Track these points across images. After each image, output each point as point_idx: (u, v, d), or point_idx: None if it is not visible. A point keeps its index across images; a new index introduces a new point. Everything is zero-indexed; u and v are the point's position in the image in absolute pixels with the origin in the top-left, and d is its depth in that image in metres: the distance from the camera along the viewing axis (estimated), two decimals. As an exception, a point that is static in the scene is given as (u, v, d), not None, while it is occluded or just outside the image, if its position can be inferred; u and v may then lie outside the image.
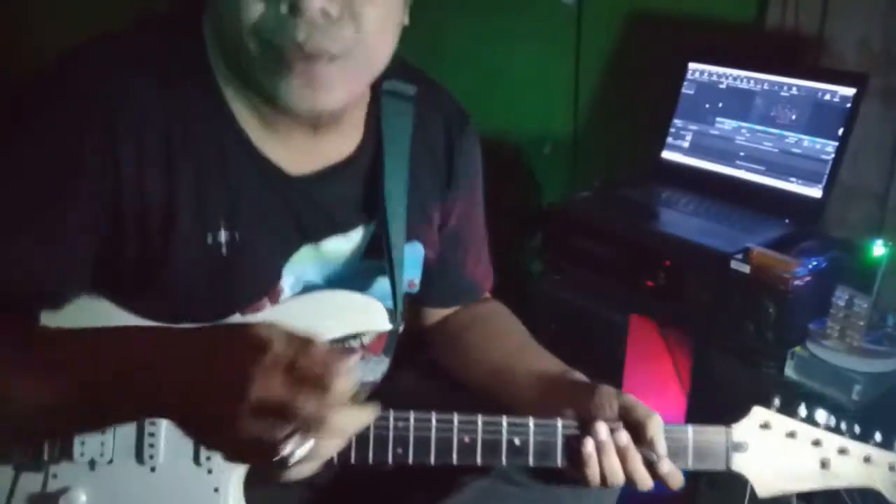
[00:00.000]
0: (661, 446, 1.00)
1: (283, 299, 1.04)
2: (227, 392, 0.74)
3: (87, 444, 0.97)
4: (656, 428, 1.00)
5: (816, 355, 1.43)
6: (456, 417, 0.99)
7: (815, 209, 1.67)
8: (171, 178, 0.94)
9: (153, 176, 0.93)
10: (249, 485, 1.00)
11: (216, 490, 0.98)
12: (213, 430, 0.78)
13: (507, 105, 2.39)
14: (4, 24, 2.16)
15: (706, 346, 1.61)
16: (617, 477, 0.99)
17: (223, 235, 0.98)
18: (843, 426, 1.03)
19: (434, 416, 0.98)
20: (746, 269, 1.48)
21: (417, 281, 1.16)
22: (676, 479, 1.00)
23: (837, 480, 1.02)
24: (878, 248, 1.42)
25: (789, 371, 1.45)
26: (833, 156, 1.67)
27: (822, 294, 1.45)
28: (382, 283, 1.10)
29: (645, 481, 1.00)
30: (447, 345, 1.25)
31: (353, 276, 1.08)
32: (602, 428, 0.99)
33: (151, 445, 0.98)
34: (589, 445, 0.99)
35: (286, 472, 0.78)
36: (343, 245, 1.07)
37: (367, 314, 1.05)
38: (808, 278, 1.46)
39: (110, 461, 0.98)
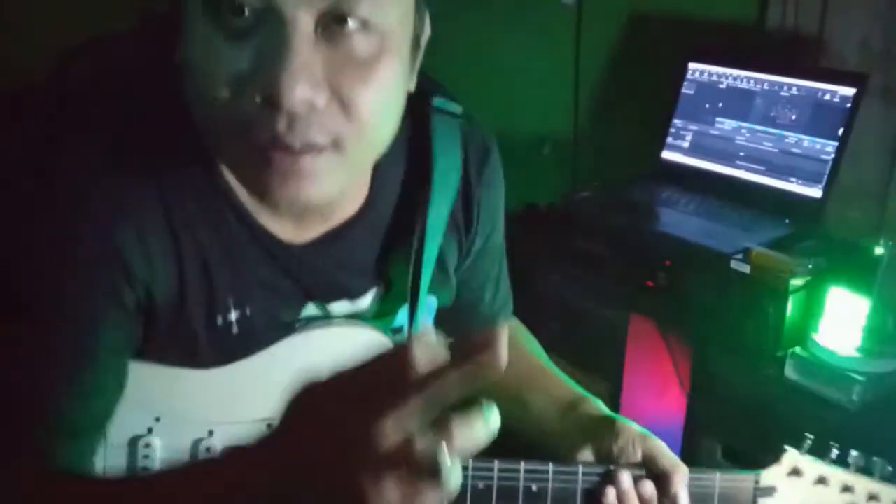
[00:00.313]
0: (685, 501, 0.94)
1: (302, 328, 0.96)
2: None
3: None
4: (682, 481, 0.93)
5: (816, 355, 1.43)
6: (471, 462, 0.91)
7: (815, 209, 1.67)
8: (179, 273, 0.86)
9: (162, 276, 0.86)
10: None
11: None
12: None
13: (506, 105, 2.38)
14: (4, 24, 2.16)
15: (706, 346, 1.61)
16: None
17: (233, 315, 0.90)
18: (876, 466, 1.00)
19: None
20: (746, 269, 1.48)
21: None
22: None
23: None
24: (878, 248, 1.42)
25: (789, 371, 1.45)
26: (833, 156, 1.67)
27: (821, 294, 1.45)
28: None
29: None
30: None
31: None
32: (625, 477, 0.92)
33: None
34: (610, 495, 0.92)
35: None
36: (351, 308, 0.99)
37: (376, 351, 0.99)
38: (808, 278, 1.46)
39: None
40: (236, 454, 0.70)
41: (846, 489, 0.99)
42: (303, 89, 0.70)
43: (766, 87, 1.78)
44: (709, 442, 1.60)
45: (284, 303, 0.94)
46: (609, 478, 0.93)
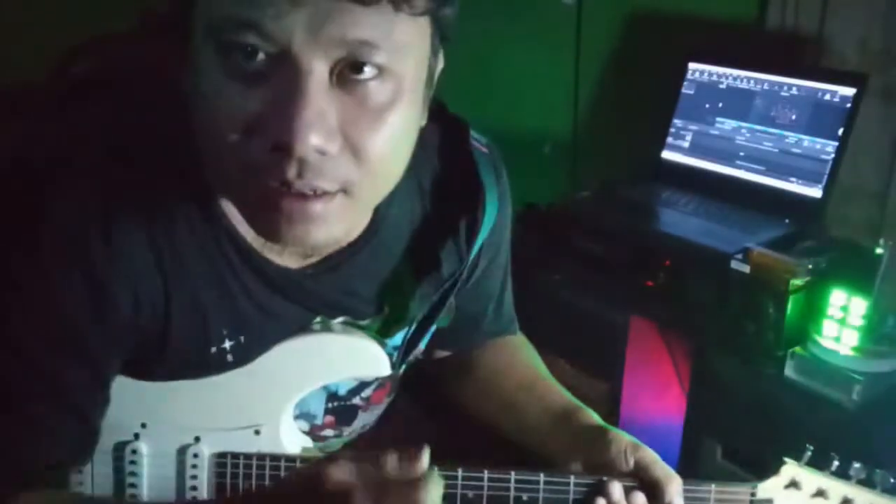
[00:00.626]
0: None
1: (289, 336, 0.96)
2: None
3: None
4: (676, 492, 0.92)
5: (816, 355, 1.43)
6: (461, 472, 0.91)
7: (815, 209, 1.67)
8: (167, 308, 0.86)
9: (149, 311, 0.85)
10: None
11: None
12: None
13: (507, 105, 2.39)
14: (4, 24, 2.16)
15: (706, 346, 1.61)
16: None
17: (227, 344, 0.90)
18: (878, 478, 0.97)
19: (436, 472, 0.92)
20: (746, 269, 1.48)
21: (423, 347, 1.07)
22: None
23: None
24: (878, 248, 1.42)
25: (789, 371, 1.45)
26: (833, 156, 1.67)
27: (821, 294, 1.45)
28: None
29: None
30: (456, 376, 1.16)
31: None
32: (616, 488, 0.91)
33: None
34: None
35: None
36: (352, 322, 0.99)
37: (365, 360, 0.98)
38: (808, 278, 1.46)
39: None
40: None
41: (846, 502, 0.97)
42: (316, 138, 0.69)
43: (766, 87, 1.78)
44: (709, 442, 1.60)
45: (282, 329, 0.93)
46: (600, 488, 0.92)
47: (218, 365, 0.91)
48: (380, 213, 0.91)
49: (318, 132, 0.69)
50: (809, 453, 0.98)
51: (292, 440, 0.97)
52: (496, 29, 2.36)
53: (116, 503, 0.93)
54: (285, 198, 0.72)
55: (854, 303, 1.41)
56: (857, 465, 0.97)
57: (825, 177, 1.67)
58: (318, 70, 0.69)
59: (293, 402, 0.96)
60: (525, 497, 0.92)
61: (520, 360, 1.16)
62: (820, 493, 0.97)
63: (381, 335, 0.99)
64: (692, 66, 1.89)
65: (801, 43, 1.85)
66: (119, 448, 0.95)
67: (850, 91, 1.66)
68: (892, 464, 1.00)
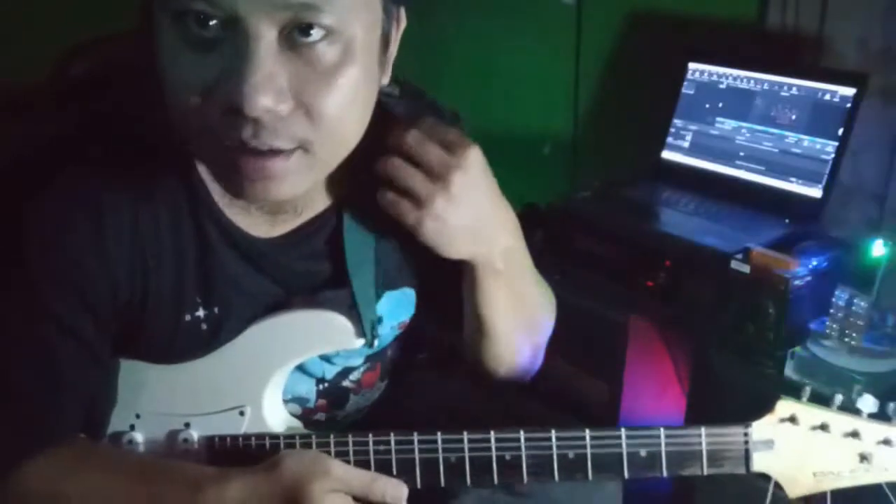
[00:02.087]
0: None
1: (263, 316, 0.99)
2: None
3: None
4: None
5: (816, 355, 1.43)
6: (440, 436, 0.93)
7: (814, 209, 1.67)
8: (144, 273, 0.90)
9: (126, 278, 0.89)
10: None
11: None
12: None
13: (507, 105, 2.39)
14: (4, 24, 2.16)
15: (706, 346, 1.61)
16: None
17: (201, 312, 0.94)
18: (891, 411, 0.91)
19: (416, 437, 0.93)
20: (746, 269, 1.48)
21: (409, 319, 1.09)
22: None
23: (883, 476, 0.90)
24: (878, 248, 1.42)
25: (789, 371, 1.45)
26: (833, 156, 1.67)
27: (822, 294, 1.45)
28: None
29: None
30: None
31: None
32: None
33: None
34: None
35: None
36: (325, 298, 1.01)
37: (332, 332, 0.98)
38: (808, 278, 1.46)
39: None
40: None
41: (853, 434, 0.90)
42: (265, 100, 0.73)
43: (766, 87, 1.78)
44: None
45: (253, 301, 0.96)
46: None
47: (193, 336, 0.95)
48: (350, 182, 0.94)
49: (267, 94, 0.73)
50: (809, 390, 0.93)
51: (277, 419, 1.00)
52: (496, 29, 2.37)
53: (123, 454, 0.97)
54: (243, 156, 0.77)
55: (854, 303, 1.41)
56: (868, 396, 0.91)
57: (825, 177, 1.67)
58: (267, 34, 0.73)
59: (271, 380, 0.98)
60: (508, 456, 0.92)
61: None
62: (822, 427, 0.91)
63: (353, 307, 1.00)
64: (692, 66, 1.89)
65: (801, 43, 1.85)
66: (116, 438, 0.99)
67: (850, 91, 1.66)
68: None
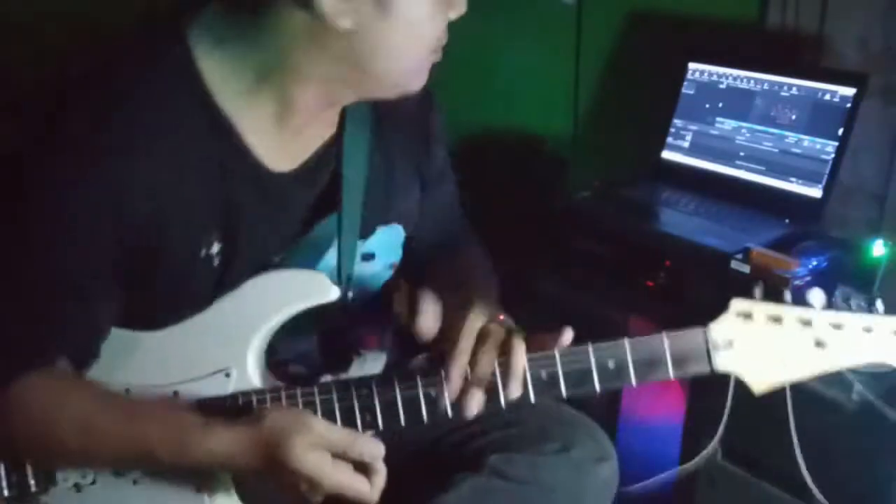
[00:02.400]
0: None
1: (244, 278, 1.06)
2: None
3: (69, 471, 1.01)
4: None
5: (814, 287, 1.42)
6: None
7: (815, 209, 1.67)
8: (165, 206, 0.96)
9: (148, 208, 0.95)
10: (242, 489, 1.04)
11: (198, 490, 1.02)
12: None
13: (507, 105, 2.39)
14: (4, 23, 2.16)
15: (706, 346, 1.61)
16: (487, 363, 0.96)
17: (216, 248, 1.00)
18: (838, 303, 0.95)
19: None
20: (746, 269, 1.48)
21: (398, 261, 1.17)
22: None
23: (839, 360, 0.94)
24: (878, 248, 1.42)
25: (789, 371, 1.45)
26: (833, 156, 1.67)
27: (821, 294, 1.45)
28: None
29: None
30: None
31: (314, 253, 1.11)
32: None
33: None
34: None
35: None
36: (319, 233, 1.09)
37: (312, 287, 1.04)
38: (808, 278, 1.46)
39: (93, 482, 1.02)
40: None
41: (805, 323, 0.94)
42: None
43: (766, 87, 1.78)
44: (709, 442, 1.60)
45: (265, 239, 1.03)
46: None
47: (205, 275, 1.00)
48: (346, 116, 1.07)
49: None
50: (759, 291, 0.96)
51: (262, 379, 1.04)
52: (496, 29, 2.36)
53: (116, 393, 1.01)
54: (433, 55, 1.01)
55: (854, 303, 1.40)
56: (817, 290, 0.95)
57: (825, 177, 1.67)
58: None
59: (255, 340, 1.03)
60: (544, 374, 0.96)
61: (475, 269, 1.22)
62: (775, 319, 0.95)
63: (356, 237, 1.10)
64: (692, 66, 1.89)
65: (801, 43, 1.84)
66: None
67: (850, 91, 1.66)
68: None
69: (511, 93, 2.40)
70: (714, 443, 1.58)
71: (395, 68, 0.98)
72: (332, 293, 1.04)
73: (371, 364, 1.18)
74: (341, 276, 1.09)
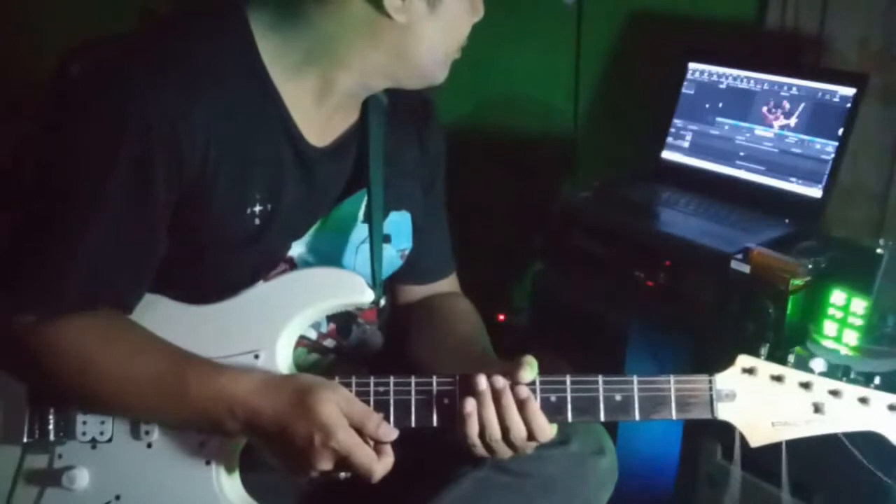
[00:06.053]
0: (526, 376, 1.02)
1: (273, 275, 1.11)
2: (298, 459, 1.00)
3: (89, 425, 1.06)
4: (525, 362, 1.02)
5: (816, 355, 1.43)
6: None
7: (815, 209, 1.67)
8: (217, 164, 1.02)
9: (198, 157, 1.01)
10: (248, 469, 1.08)
11: (208, 463, 1.06)
12: (286, 465, 1.03)
13: (507, 105, 2.39)
14: (4, 23, 2.16)
15: (706, 346, 1.61)
16: (493, 428, 1.00)
17: (258, 208, 1.06)
18: (839, 373, 1.02)
19: (414, 379, 1.04)
20: (746, 269, 1.48)
21: (408, 251, 1.23)
22: (544, 431, 1.02)
23: (834, 425, 1.01)
24: (878, 248, 1.42)
25: (789, 371, 1.45)
26: (833, 156, 1.67)
27: (822, 294, 1.45)
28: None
29: (519, 430, 1.00)
30: (412, 328, 1.28)
31: (343, 245, 1.17)
32: (481, 379, 1.01)
33: (147, 421, 1.06)
34: (469, 404, 1.00)
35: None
36: (345, 209, 1.16)
37: (350, 288, 1.10)
38: (808, 278, 1.46)
39: (110, 440, 1.06)
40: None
41: (805, 386, 1.01)
42: None
43: (765, 87, 1.78)
44: (708, 442, 1.60)
45: (299, 205, 1.10)
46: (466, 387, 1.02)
47: (247, 232, 1.06)
48: (368, 105, 1.16)
49: None
50: (765, 350, 1.04)
51: (287, 368, 1.09)
52: (496, 29, 2.36)
53: (153, 336, 1.06)
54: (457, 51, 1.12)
55: (854, 303, 1.41)
56: (818, 359, 1.03)
57: (825, 177, 1.67)
58: None
59: (288, 328, 1.08)
60: (553, 398, 1.02)
61: (472, 334, 1.27)
62: (778, 378, 1.02)
63: (365, 217, 1.16)
64: (692, 66, 1.89)
65: (801, 43, 1.85)
66: None
67: (850, 91, 1.66)
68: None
69: (511, 93, 2.40)
70: (714, 443, 1.59)
71: (430, 61, 1.09)
72: (368, 296, 1.10)
73: (371, 338, 1.24)
74: (375, 280, 1.17)
